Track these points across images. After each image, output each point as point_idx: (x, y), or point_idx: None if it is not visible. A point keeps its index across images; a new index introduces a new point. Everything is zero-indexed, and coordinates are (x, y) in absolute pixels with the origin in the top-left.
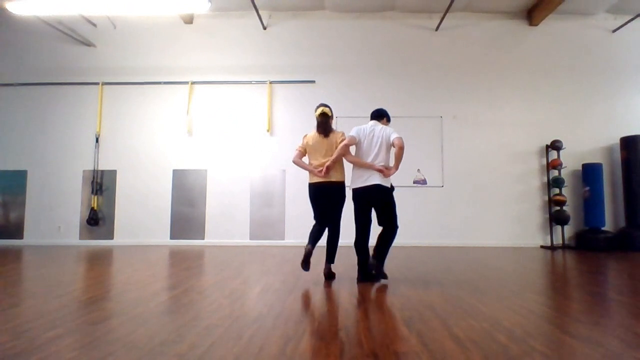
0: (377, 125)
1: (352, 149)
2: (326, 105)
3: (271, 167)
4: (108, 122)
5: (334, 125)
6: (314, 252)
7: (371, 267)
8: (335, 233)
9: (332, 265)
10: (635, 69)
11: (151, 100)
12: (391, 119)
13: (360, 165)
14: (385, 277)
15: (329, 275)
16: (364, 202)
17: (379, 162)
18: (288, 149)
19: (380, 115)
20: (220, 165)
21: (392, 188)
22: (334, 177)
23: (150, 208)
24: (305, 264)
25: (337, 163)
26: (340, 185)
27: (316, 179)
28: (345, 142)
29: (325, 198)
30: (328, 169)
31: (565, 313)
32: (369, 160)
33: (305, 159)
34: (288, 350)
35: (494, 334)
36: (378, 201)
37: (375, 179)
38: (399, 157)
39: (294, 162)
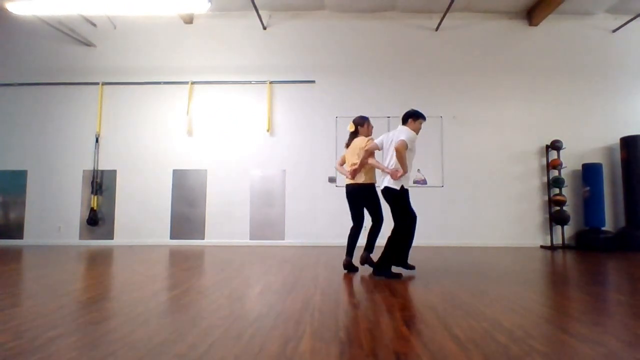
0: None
1: (380, 155)
2: (355, 119)
3: (271, 167)
4: (108, 122)
5: (329, 125)
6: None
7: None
8: (376, 227)
9: (370, 254)
10: (635, 69)
11: (151, 100)
12: (408, 118)
13: (377, 168)
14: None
15: (366, 262)
16: (387, 202)
17: (391, 165)
18: (288, 149)
19: (405, 119)
20: (220, 165)
21: (401, 190)
22: (360, 180)
23: (150, 208)
24: (349, 270)
25: (363, 167)
26: (364, 187)
27: (347, 181)
28: (366, 148)
29: (353, 198)
30: (354, 172)
31: (565, 313)
32: (385, 163)
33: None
34: (288, 351)
35: (494, 334)
36: (389, 202)
37: (385, 182)
38: (397, 159)
39: (335, 168)
